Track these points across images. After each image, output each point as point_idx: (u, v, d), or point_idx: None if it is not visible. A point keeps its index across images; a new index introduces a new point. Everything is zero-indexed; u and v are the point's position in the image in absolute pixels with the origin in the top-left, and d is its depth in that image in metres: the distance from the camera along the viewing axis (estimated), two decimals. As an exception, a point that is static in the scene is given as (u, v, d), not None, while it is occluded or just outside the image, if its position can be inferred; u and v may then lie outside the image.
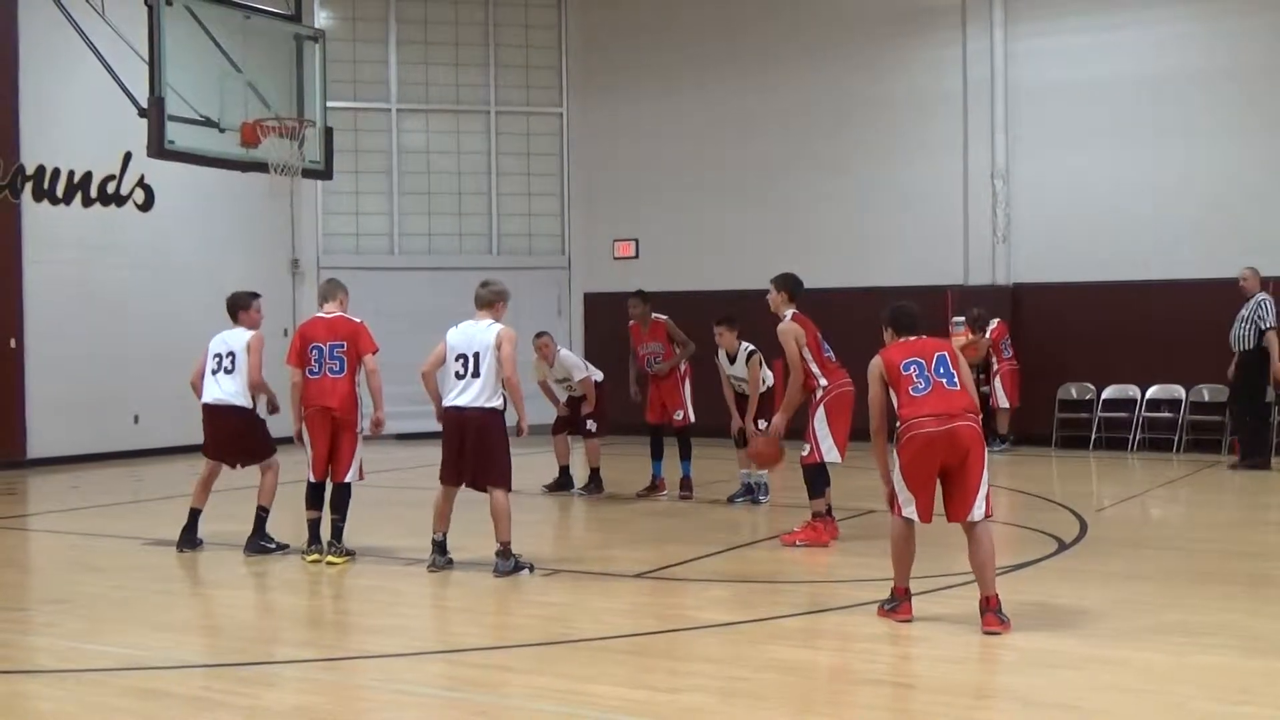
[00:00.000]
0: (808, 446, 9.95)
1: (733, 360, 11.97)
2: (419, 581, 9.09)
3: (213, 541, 10.42)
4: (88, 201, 17.28)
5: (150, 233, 17.91)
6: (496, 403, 9.01)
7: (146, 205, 17.90)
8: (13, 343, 16.46)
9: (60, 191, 16.98)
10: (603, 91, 20.91)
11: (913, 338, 7.77)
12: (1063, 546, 9.85)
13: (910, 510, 7.39)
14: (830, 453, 9.94)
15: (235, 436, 10.13)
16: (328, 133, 15.11)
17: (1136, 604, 7.95)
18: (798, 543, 9.99)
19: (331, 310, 9.89)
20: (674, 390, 12.78)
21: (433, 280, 20.06)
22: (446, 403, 9.06)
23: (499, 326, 9.10)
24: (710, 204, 20.05)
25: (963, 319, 17.66)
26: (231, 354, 10.15)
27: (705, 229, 20.09)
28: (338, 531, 9.60)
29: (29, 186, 16.65)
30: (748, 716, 5.84)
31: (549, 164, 21.30)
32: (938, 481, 7.37)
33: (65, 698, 6.27)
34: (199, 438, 10.51)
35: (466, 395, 8.96)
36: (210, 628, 7.89)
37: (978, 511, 7.30)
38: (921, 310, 8.01)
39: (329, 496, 9.69)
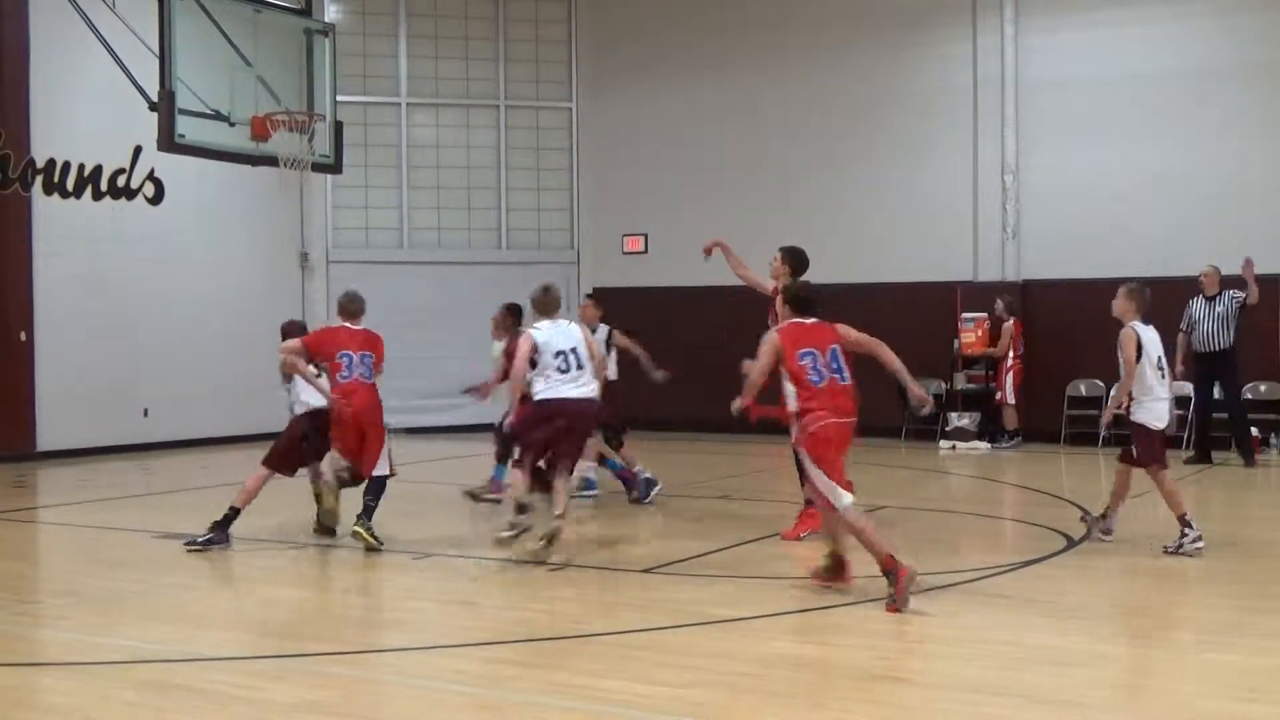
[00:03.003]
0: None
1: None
2: (428, 576, 9.11)
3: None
4: (98, 195, 17.31)
5: (160, 226, 17.94)
6: None
7: (156, 199, 17.93)
8: (23, 335, 16.50)
9: (70, 185, 17.01)
10: (613, 86, 20.90)
11: (809, 321, 8.23)
12: (1071, 543, 9.84)
13: (845, 497, 7.95)
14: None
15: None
16: (337, 127, 15.12)
17: (1143, 601, 7.95)
18: (800, 535, 9.97)
19: (358, 324, 10.22)
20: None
21: (442, 274, 20.11)
22: (557, 395, 9.42)
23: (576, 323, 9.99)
24: (720, 199, 20.03)
25: (974, 316, 17.68)
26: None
27: (714, 224, 19.86)
28: (369, 511, 9.85)
29: (39, 180, 16.68)
30: (755, 712, 5.85)
31: (558, 159, 21.31)
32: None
33: (75, 690, 6.30)
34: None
35: (584, 387, 9.56)
36: (220, 621, 7.91)
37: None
38: (822, 296, 8.50)
39: (365, 486, 10.00)
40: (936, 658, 6.69)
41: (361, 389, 9.85)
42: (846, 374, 8.22)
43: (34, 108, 16.62)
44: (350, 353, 9.90)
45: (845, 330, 8.51)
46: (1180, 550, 9.25)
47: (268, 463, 10.10)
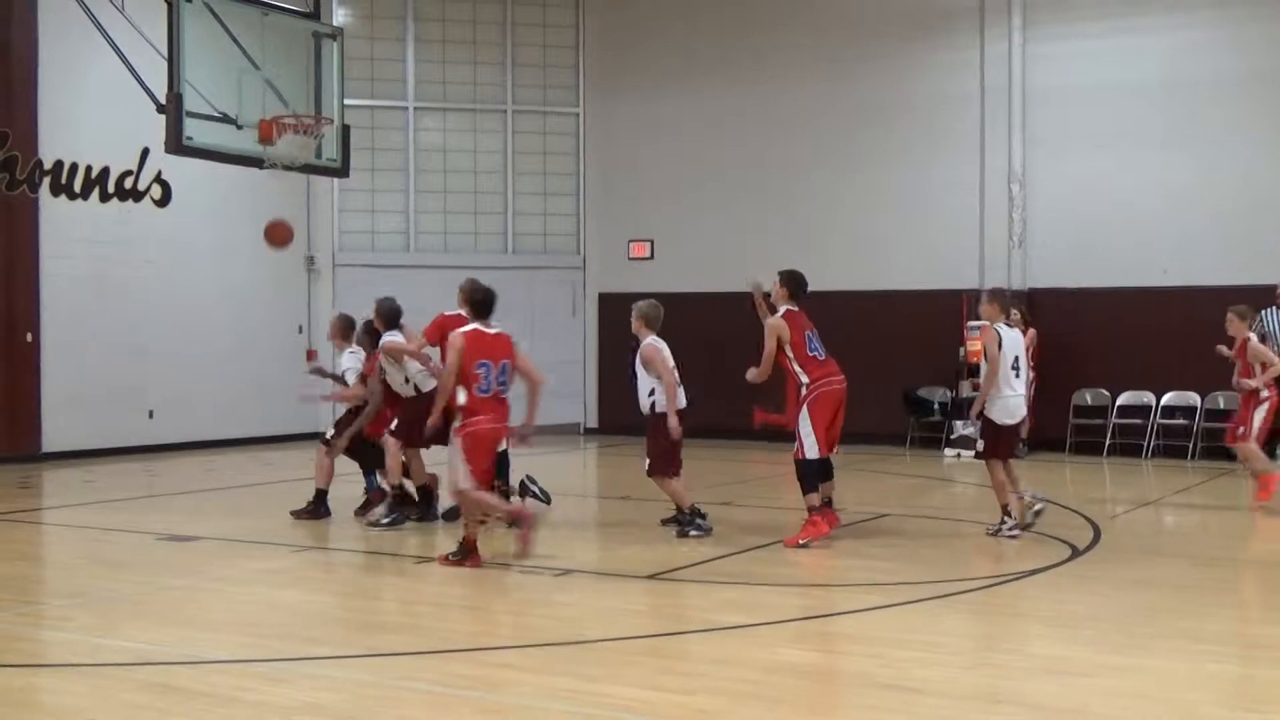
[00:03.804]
0: (797, 443, 10.11)
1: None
2: (432, 580, 9.11)
3: (223, 538, 10.45)
4: (105, 197, 17.34)
5: (167, 228, 17.96)
6: None
7: (164, 201, 17.95)
8: (29, 337, 16.53)
9: (78, 186, 17.04)
10: (620, 91, 20.91)
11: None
12: (1076, 553, 9.82)
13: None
14: (811, 449, 10.04)
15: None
16: (345, 130, 15.14)
17: (1149, 611, 7.93)
18: (801, 543, 9.98)
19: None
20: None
21: (448, 279, 19.96)
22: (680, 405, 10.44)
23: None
24: (726, 205, 20.04)
25: (980, 324, 17.61)
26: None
27: (721, 230, 20.08)
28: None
29: (47, 181, 16.72)
30: (759, 719, 5.84)
31: (565, 163, 21.32)
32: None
33: (78, 692, 6.30)
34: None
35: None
36: (224, 624, 7.90)
37: None
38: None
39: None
40: (940, 666, 6.67)
41: None
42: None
43: (42, 109, 16.65)
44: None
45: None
46: (998, 533, 10.35)
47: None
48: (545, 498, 11.67)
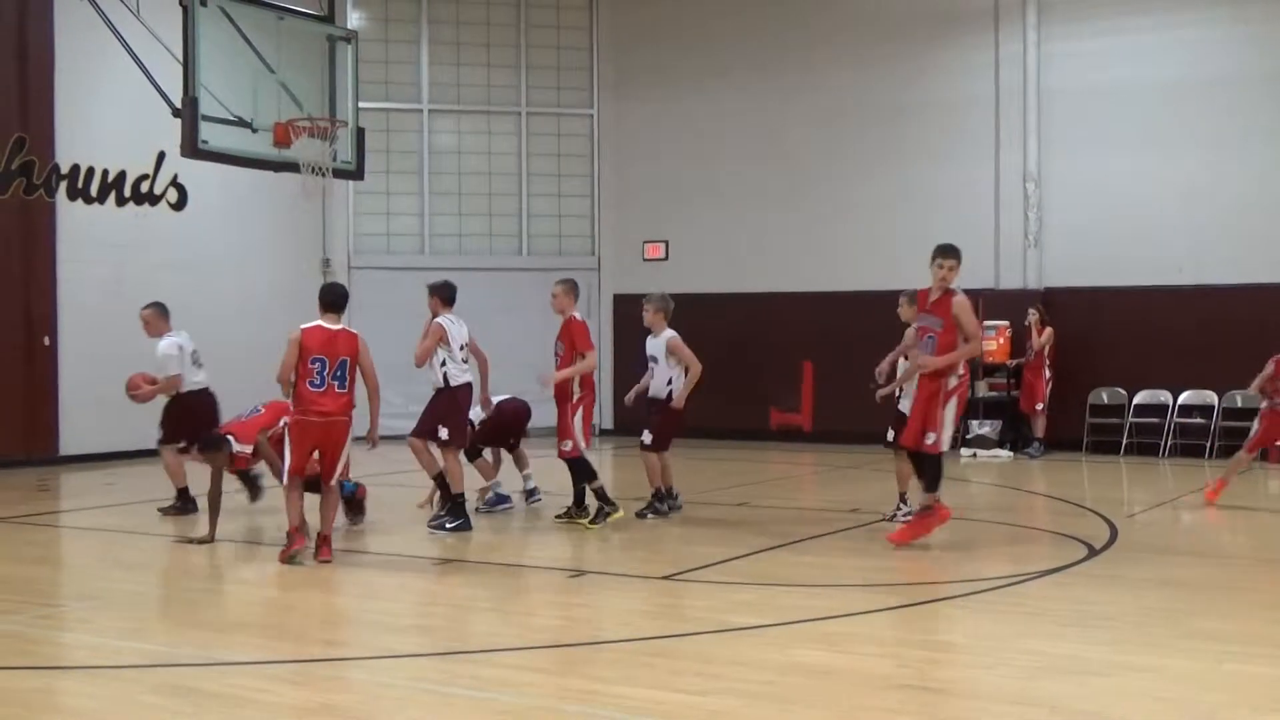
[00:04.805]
0: (932, 435, 9.80)
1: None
2: (448, 582, 9.13)
3: (240, 540, 10.47)
4: (121, 201, 17.40)
5: (183, 232, 18.02)
6: None
7: (180, 205, 18.02)
8: (46, 340, 16.59)
9: (94, 191, 17.11)
10: (634, 93, 20.92)
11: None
12: (1093, 552, 9.79)
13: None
14: (945, 442, 9.93)
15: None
16: (359, 133, 15.15)
17: (1167, 611, 7.90)
18: (909, 541, 9.94)
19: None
20: None
21: (463, 280, 20.02)
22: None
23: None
24: (741, 206, 20.04)
25: (996, 324, 17.64)
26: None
27: (736, 231, 20.08)
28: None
29: (64, 185, 16.79)
30: (774, 720, 5.84)
31: (579, 165, 21.33)
32: None
33: (97, 694, 6.32)
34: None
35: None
36: (241, 625, 7.93)
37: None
38: None
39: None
40: (956, 666, 6.66)
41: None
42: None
43: (59, 114, 16.72)
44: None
45: None
46: (893, 518, 10.87)
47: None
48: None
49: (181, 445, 11.58)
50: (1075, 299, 17.77)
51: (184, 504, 11.78)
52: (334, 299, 9.59)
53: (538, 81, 21.13)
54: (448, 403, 10.82)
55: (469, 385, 11.03)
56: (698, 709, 5.92)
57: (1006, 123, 18.31)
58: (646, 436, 11.41)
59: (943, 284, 9.85)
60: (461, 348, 10.98)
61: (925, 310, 10.00)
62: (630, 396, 12.06)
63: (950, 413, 9.84)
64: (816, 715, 5.91)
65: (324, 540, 9.38)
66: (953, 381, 9.83)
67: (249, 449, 10.77)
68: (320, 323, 9.45)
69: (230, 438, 10.73)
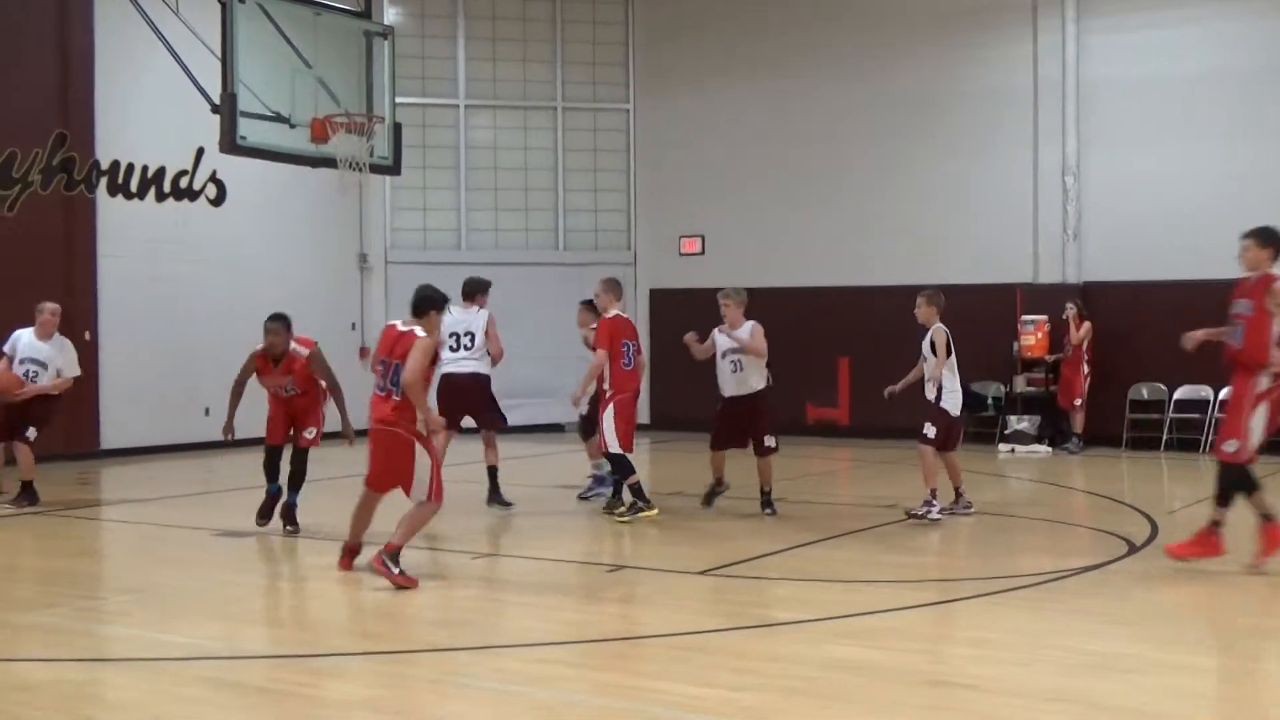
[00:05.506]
0: (1234, 443, 8.66)
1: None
2: (485, 576, 9.15)
3: (281, 534, 10.54)
4: (161, 196, 17.54)
5: (222, 227, 18.15)
6: None
7: (218, 200, 18.15)
8: (87, 335, 16.72)
9: (134, 186, 17.27)
10: (670, 88, 20.90)
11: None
12: (1133, 549, 9.73)
13: None
14: (1247, 453, 8.66)
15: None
16: (396, 128, 15.19)
17: (1208, 608, 7.84)
18: (1189, 556, 8.84)
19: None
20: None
21: (499, 276, 20.11)
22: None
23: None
24: (777, 200, 19.98)
25: (1034, 318, 17.54)
26: (470, 333, 11.85)
27: (772, 225, 20.03)
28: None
29: (104, 181, 16.94)
30: (809, 716, 5.82)
31: (615, 160, 21.33)
32: None
33: (137, 686, 6.37)
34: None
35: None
36: (279, 619, 7.98)
37: None
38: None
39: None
40: (994, 663, 6.63)
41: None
42: None
43: (99, 110, 16.88)
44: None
45: None
46: (913, 515, 10.88)
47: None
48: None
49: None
50: (1115, 293, 17.63)
51: (29, 497, 12.20)
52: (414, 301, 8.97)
53: (573, 77, 21.15)
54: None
55: (447, 375, 11.66)
56: (734, 704, 5.91)
57: (1045, 115, 18.18)
58: (773, 444, 11.54)
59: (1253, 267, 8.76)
60: (457, 336, 11.65)
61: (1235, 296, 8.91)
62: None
63: (1259, 420, 8.54)
64: (853, 711, 5.90)
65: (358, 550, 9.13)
66: (1264, 383, 8.53)
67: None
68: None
69: None
